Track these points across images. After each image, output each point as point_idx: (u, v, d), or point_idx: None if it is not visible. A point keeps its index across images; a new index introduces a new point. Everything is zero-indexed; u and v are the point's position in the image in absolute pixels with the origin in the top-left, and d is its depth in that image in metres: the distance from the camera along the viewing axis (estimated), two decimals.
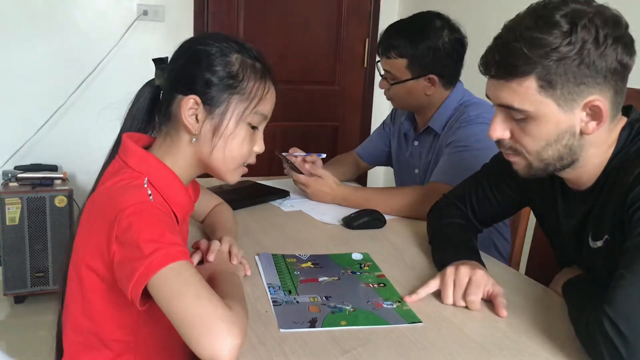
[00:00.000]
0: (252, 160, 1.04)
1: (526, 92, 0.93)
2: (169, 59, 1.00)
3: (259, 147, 1.02)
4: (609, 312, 0.81)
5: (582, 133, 0.95)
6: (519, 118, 0.97)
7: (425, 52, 1.64)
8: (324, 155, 1.77)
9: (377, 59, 1.77)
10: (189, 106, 0.95)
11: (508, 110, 0.98)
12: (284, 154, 1.73)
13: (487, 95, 1.02)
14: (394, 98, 1.76)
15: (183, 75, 0.96)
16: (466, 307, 1.02)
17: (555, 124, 0.94)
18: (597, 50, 0.89)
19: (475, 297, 1.01)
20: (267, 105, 1.00)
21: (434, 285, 1.06)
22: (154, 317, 0.86)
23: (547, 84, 0.91)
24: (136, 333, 0.96)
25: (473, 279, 1.03)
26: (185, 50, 0.98)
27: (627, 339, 0.79)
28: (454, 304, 1.03)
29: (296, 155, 1.73)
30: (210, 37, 0.99)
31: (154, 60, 1.01)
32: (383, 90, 1.78)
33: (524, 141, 0.99)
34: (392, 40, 1.68)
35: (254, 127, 1.00)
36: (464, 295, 1.02)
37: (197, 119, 0.96)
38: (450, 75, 1.70)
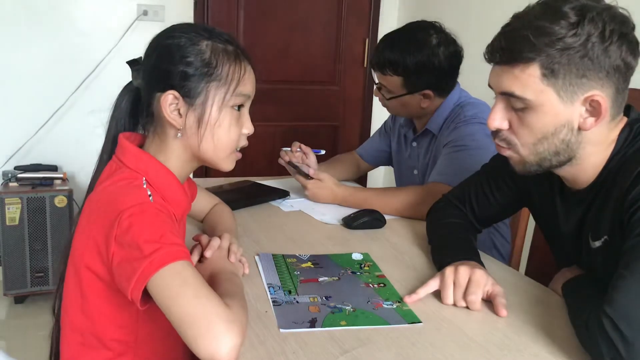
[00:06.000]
0: (244, 142, 1.03)
1: (528, 79, 0.94)
2: (142, 59, 1.00)
3: (248, 128, 1.02)
4: (609, 312, 0.81)
5: (580, 129, 0.95)
6: (518, 107, 0.97)
7: (420, 70, 1.63)
8: (323, 152, 1.77)
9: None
10: (169, 102, 0.94)
11: (508, 99, 0.98)
12: (286, 149, 1.73)
13: (489, 85, 1.02)
14: (389, 108, 1.78)
15: (157, 73, 0.96)
16: (467, 307, 1.02)
17: (553, 116, 0.95)
18: (602, 45, 0.90)
19: (475, 297, 1.01)
20: (248, 86, 0.99)
21: (433, 285, 1.06)
22: (154, 317, 0.86)
23: (549, 73, 0.92)
24: (135, 333, 0.95)
25: (472, 279, 1.03)
26: (155, 46, 0.98)
27: (627, 339, 0.79)
28: (455, 304, 1.03)
29: (298, 150, 1.74)
30: (177, 29, 0.98)
31: (128, 62, 1.00)
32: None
33: (520, 132, 0.99)
34: (386, 56, 1.66)
35: (239, 108, 0.99)
36: (464, 295, 1.02)
37: (179, 113, 0.95)
38: (445, 87, 1.70)
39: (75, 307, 0.95)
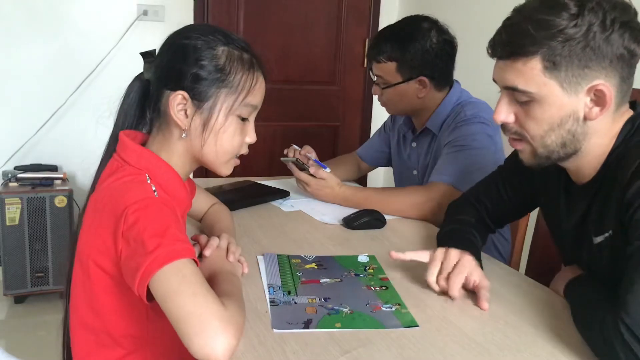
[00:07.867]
0: (245, 151, 1.04)
1: (531, 73, 0.94)
2: (156, 52, 1.00)
3: (251, 138, 1.02)
4: (626, 319, 0.80)
5: (585, 119, 0.95)
6: (523, 101, 0.97)
7: (413, 54, 1.65)
8: (328, 170, 1.75)
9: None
10: (177, 102, 0.94)
11: (513, 93, 0.98)
12: (294, 147, 1.74)
13: (494, 79, 1.02)
14: (388, 103, 1.77)
15: (170, 71, 0.96)
16: (447, 294, 1.04)
17: (558, 107, 0.94)
18: (603, 34, 0.89)
19: (457, 279, 1.03)
20: (257, 97, 1.00)
21: (423, 256, 1.10)
22: (162, 312, 0.86)
23: (551, 65, 0.92)
24: (146, 329, 0.95)
25: (460, 262, 1.05)
26: (171, 44, 0.98)
27: None
28: (437, 283, 1.05)
29: (308, 156, 1.73)
30: (196, 29, 0.98)
31: (142, 54, 1.00)
32: (376, 96, 1.78)
33: (527, 125, 0.98)
34: (380, 44, 1.69)
35: (244, 119, 1.00)
36: (447, 277, 1.04)
37: (186, 114, 0.95)
38: (441, 76, 1.70)
39: (85, 305, 0.95)
